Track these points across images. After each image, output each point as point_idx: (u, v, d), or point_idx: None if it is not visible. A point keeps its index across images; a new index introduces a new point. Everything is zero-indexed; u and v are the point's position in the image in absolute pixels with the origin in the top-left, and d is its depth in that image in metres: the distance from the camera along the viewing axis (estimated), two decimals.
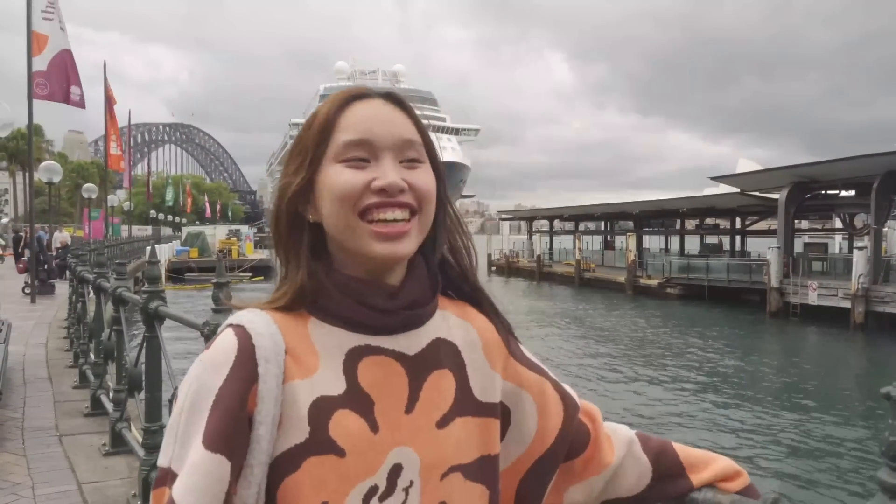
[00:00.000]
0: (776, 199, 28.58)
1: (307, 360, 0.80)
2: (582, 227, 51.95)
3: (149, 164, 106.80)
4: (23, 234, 22.73)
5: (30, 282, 14.70)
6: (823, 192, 28.41)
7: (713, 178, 34.47)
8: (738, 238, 40.02)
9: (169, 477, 0.75)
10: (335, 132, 0.83)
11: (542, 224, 55.61)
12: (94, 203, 33.27)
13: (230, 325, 0.80)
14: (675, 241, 44.73)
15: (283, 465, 0.76)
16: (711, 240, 41.85)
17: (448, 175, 0.91)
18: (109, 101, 23.85)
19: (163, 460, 0.76)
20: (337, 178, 0.81)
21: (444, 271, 0.90)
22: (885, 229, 28.11)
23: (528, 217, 56.89)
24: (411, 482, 0.79)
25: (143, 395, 4.06)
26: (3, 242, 30.41)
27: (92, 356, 6.41)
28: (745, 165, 38.99)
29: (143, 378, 3.99)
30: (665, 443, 0.97)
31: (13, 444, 4.80)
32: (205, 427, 0.74)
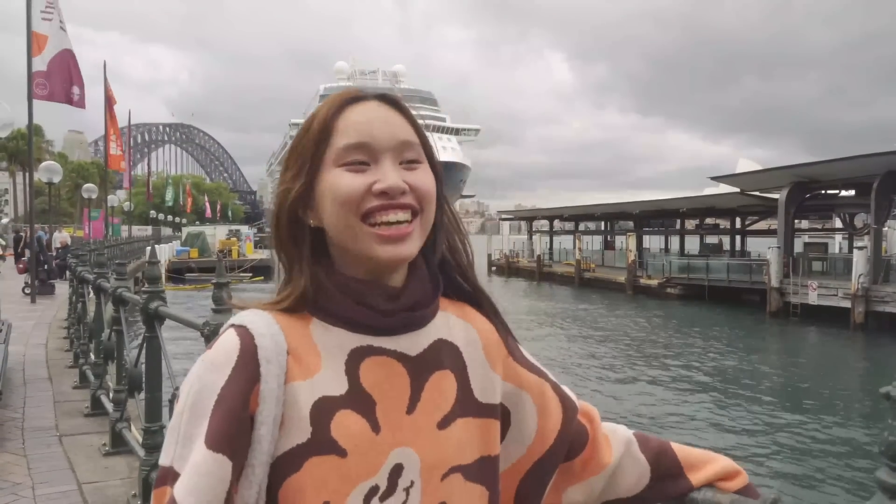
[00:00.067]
0: (776, 199, 28.57)
1: (309, 361, 0.80)
2: (582, 227, 51.91)
3: (149, 165, 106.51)
4: (23, 234, 22.68)
5: (30, 282, 14.69)
6: (823, 191, 28.40)
7: (713, 178, 34.49)
8: (738, 238, 39.98)
9: (170, 476, 0.75)
10: (333, 136, 0.82)
11: (542, 224, 55.59)
12: (94, 203, 33.29)
13: (232, 326, 0.80)
14: (675, 241, 44.72)
15: (284, 466, 0.76)
16: (711, 240, 41.84)
17: (448, 175, 0.92)
18: (109, 101, 23.82)
19: (164, 459, 0.76)
20: (337, 182, 0.81)
21: (443, 271, 0.91)
22: (885, 229, 28.09)
23: (528, 217, 56.87)
24: (412, 482, 0.79)
25: (143, 395, 4.06)
26: (3, 242, 30.36)
27: (92, 356, 6.41)
28: (745, 165, 38.97)
29: (144, 378, 3.99)
30: (664, 443, 0.98)
31: (13, 444, 4.79)
32: (207, 427, 0.74)
